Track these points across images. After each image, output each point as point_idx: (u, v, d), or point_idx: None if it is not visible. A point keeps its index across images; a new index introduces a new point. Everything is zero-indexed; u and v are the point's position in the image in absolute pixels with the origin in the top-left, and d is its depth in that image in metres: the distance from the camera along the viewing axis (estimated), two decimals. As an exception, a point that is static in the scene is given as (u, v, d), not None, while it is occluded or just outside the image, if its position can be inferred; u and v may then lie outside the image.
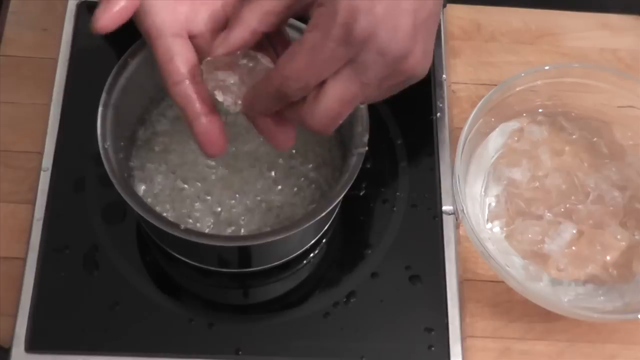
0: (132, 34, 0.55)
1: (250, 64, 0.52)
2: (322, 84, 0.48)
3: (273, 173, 0.65)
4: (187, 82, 0.52)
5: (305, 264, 0.67)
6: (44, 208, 0.66)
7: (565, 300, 0.64)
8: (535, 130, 0.71)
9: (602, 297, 0.65)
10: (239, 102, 0.52)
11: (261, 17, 0.51)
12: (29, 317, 0.62)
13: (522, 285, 0.62)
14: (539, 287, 0.65)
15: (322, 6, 0.47)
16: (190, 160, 0.65)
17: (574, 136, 0.72)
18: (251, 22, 0.51)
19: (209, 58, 0.52)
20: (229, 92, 0.52)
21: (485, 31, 0.78)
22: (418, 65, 0.50)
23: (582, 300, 0.65)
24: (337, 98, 0.48)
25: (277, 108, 0.51)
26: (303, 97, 0.49)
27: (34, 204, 0.66)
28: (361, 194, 0.68)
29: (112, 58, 0.62)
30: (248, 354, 0.62)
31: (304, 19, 0.52)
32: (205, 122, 0.53)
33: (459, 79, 0.76)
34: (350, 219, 0.68)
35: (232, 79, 0.52)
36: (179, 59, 0.52)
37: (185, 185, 0.64)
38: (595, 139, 0.72)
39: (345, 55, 0.47)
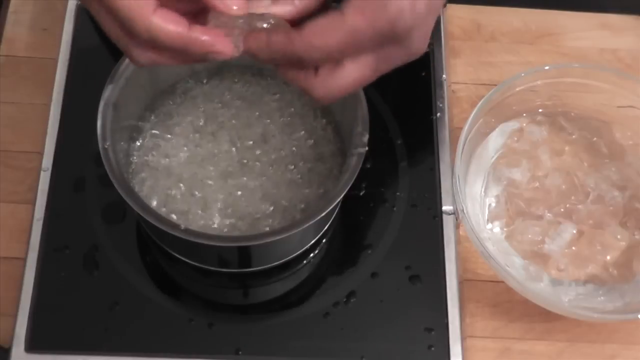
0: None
1: (262, 18, 0.50)
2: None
3: (273, 173, 0.65)
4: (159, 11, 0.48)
5: (305, 264, 0.67)
6: (44, 208, 0.66)
7: (566, 300, 0.64)
8: (535, 130, 0.71)
9: (602, 297, 0.65)
10: (240, 45, 0.50)
11: (300, 9, 0.50)
12: (29, 317, 0.62)
13: (523, 286, 0.62)
14: (539, 288, 0.65)
15: None
16: (189, 160, 0.65)
17: (573, 136, 0.72)
18: (286, 9, 0.50)
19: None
20: (232, 34, 0.50)
21: (485, 31, 0.78)
22: (417, 57, 0.51)
23: (583, 300, 0.65)
24: (354, 79, 0.50)
25: (281, 64, 0.51)
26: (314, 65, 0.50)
27: (34, 204, 0.66)
28: (361, 194, 0.68)
29: (112, 58, 0.62)
30: (248, 354, 0.62)
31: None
32: (202, 33, 0.48)
33: (459, 79, 0.76)
34: (350, 219, 0.68)
35: (237, 21, 0.49)
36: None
37: (185, 186, 0.64)
38: (595, 139, 0.72)
39: (379, 47, 0.48)
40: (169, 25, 0.47)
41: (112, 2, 0.47)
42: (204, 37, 0.48)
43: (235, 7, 0.49)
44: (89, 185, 0.67)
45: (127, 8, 0.47)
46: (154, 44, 0.48)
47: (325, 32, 0.48)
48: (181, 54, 0.49)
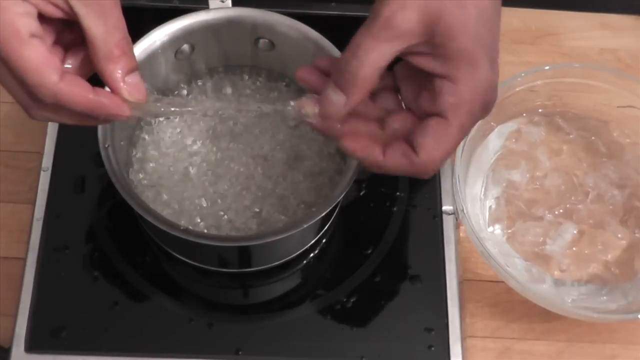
0: (131, 34, 0.54)
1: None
2: None
3: (273, 173, 0.65)
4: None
5: (305, 264, 0.67)
6: (44, 208, 0.66)
7: (569, 300, 0.64)
8: (533, 131, 0.71)
9: (605, 297, 0.65)
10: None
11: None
12: (29, 317, 0.62)
13: (524, 286, 0.62)
14: (541, 289, 0.65)
15: (452, 96, 0.48)
16: (190, 160, 0.65)
17: (571, 136, 0.72)
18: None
19: None
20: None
21: (485, 31, 0.78)
22: None
23: (585, 300, 0.65)
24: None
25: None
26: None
27: (34, 204, 0.66)
28: (361, 194, 0.68)
29: (112, 58, 0.62)
30: (248, 354, 0.62)
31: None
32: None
33: (459, 79, 0.75)
34: (350, 219, 0.68)
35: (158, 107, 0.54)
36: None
37: (186, 185, 0.64)
38: (593, 138, 0.72)
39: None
40: (76, 90, 0.48)
41: (17, 66, 0.46)
42: (106, 100, 0.49)
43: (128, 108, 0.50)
44: (89, 185, 0.67)
45: (34, 74, 0.46)
46: (59, 108, 0.48)
47: (439, 149, 0.49)
48: (85, 116, 0.50)
